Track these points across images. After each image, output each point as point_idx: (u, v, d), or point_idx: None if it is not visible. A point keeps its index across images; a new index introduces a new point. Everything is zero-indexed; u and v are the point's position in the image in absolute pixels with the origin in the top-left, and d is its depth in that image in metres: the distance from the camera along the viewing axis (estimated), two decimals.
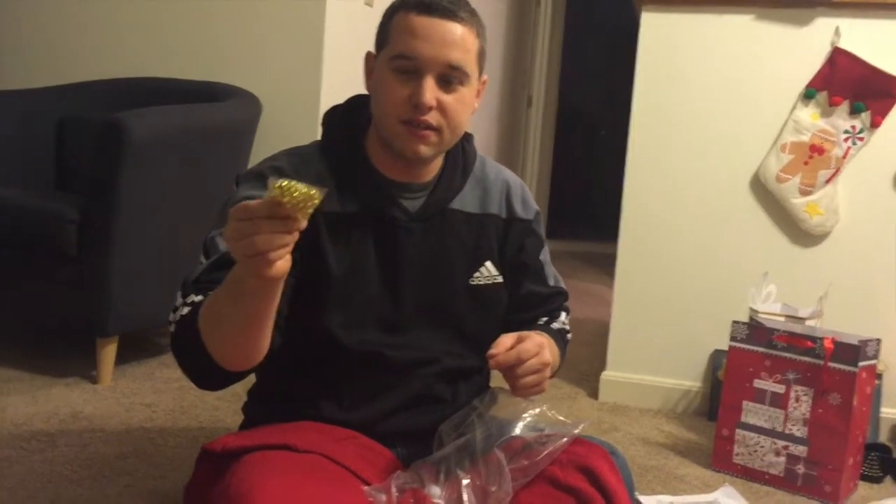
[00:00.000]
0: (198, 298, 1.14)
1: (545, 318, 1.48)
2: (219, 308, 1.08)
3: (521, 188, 1.45)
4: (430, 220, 1.33)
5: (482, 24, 1.29)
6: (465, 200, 1.37)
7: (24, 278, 2.31)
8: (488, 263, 1.38)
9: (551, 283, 1.49)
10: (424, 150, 1.25)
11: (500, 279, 1.39)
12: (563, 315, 1.51)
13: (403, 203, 1.32)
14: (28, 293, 2.32)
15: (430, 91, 1.21)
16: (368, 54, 1.32)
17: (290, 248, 0.95)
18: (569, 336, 1.52)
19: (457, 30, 1.23)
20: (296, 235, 0.94)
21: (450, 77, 1.23)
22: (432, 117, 1.23)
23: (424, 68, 1.22)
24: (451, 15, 1.22)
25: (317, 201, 0.92)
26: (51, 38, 3.05)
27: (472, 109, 1.30)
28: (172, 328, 1.17)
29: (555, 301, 1.49)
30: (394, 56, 1.24)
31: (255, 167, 1.31)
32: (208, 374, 1.16)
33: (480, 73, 1.30)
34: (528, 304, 1.46)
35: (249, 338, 1.09)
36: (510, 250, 1.41)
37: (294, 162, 1.29)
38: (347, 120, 1.35)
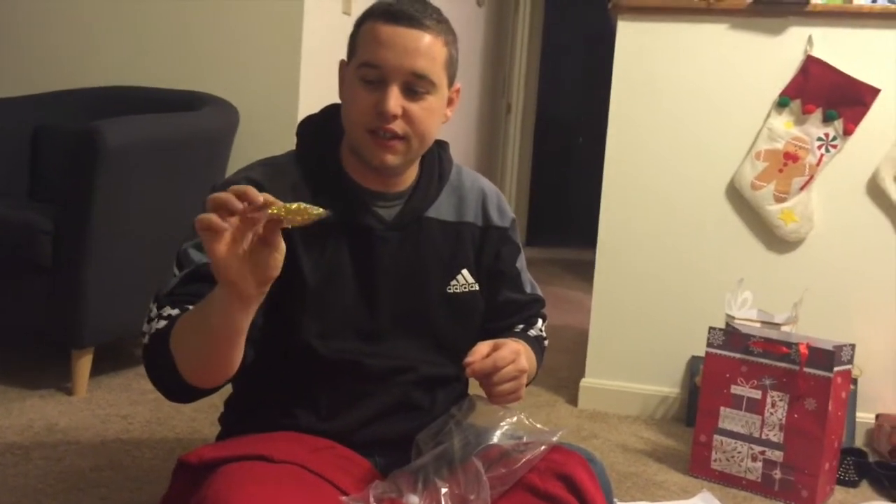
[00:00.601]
0: (174, 312, 1.14)
1: (522, 326, 1.48)
2: (190, 326, 1.07)
3: (497, 196, 1.46)
4: (405, 229, 1.33)
5: (452, 33, 1.28)
6: (441, 209, 1.37)
7: None
8: (465, 271, 1.38)
9: (528, 290, 1.49)
10: (391, 159, 1.25)
11: (476, 287, 1.39)
12: (540, 322, 1.51)
13: (379, 212, 1.32)
14: (1, 304, 2.29)
15: (395, 99, 1.21)
16: (341, 63, 1.32)
17: (224, 237, 0.93)
18: (546, 343, 1.52)
19: (423, 38, 1.22)
20: (233, 223, 0.93)
21: (415, 86, 1.23)
22: (398, 126, 1.23)
23: (389, 77, 1.22)
24: (416, 23, 1.22)
25: (309, 216, 0.94)
26: (25, 46, 3.02)
27: (441, 118, 1.30)
28: (146, 340, 1.16)
29: (532, 308, 1.50)
30: (360, 64, 1.24)
31: (230, 178, 1.31)
32: (177, 389, 1.15)
33: (451, 81, 1.30)
34: (505, 311, 1.46)
35: (217, 357, 1.08)
36: (487, 258, 1.41)
37: (268, 172, 1.29)
38: (322, 129, 1.35)
